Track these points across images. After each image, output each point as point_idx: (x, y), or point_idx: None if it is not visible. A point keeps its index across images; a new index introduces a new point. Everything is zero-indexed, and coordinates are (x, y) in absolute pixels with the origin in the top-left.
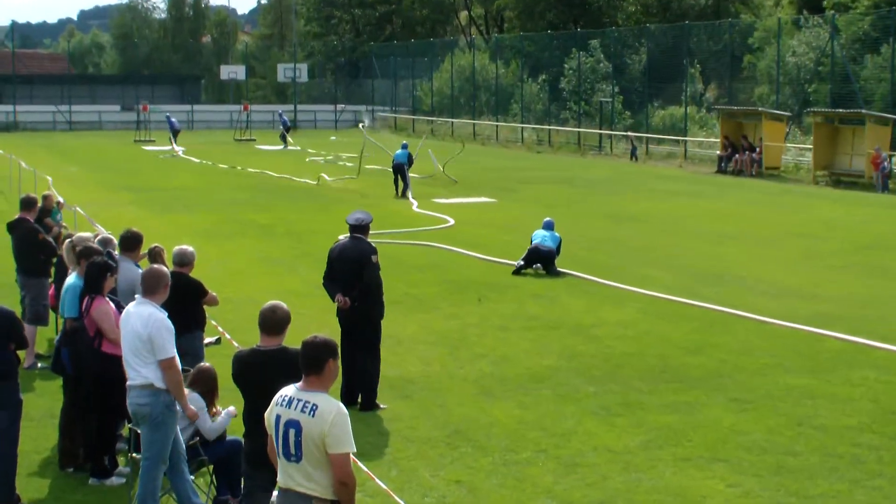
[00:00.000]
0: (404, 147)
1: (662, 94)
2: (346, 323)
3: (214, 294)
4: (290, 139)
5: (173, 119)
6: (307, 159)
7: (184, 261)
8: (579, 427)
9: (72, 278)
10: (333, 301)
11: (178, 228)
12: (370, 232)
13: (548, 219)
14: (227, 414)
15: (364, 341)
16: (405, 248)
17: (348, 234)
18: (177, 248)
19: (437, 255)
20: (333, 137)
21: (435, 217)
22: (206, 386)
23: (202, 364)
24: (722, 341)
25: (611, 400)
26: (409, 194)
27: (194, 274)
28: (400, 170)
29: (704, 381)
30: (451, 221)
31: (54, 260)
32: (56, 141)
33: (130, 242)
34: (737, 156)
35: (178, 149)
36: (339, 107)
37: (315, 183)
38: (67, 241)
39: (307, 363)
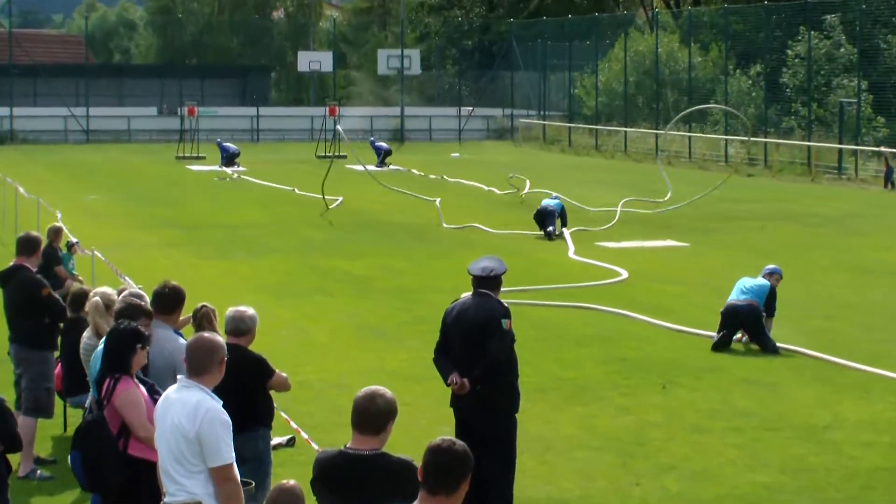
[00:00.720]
0: (556, 198)
1: None
2: (464, 415)
3: (285, 375)
4: (368, 168)
5: (227, 144)
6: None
7: (241, 328)
8: None
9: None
10: (447, 384)
11: (235, 281)
12: (502, 287)
13: (771, 266)
14: None
15: (489, 442)
16: (557, 313)
17: (471, 292)
18: (231, 309)
19: (604, 323)
20: (456, 154)
21: (600, 268)
22: None
23: (285, 483)
24: None
25: None
26: (566, 231)
27: (256, 346)
28: (549, 216)
29: None
30: (624, 274)
31: (62, 325)
32: (68, 157)
33: (168, 301)
34: None
35: (233, 170)
36: (466, 110)
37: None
38: (95, 298)
39: (439, 478)
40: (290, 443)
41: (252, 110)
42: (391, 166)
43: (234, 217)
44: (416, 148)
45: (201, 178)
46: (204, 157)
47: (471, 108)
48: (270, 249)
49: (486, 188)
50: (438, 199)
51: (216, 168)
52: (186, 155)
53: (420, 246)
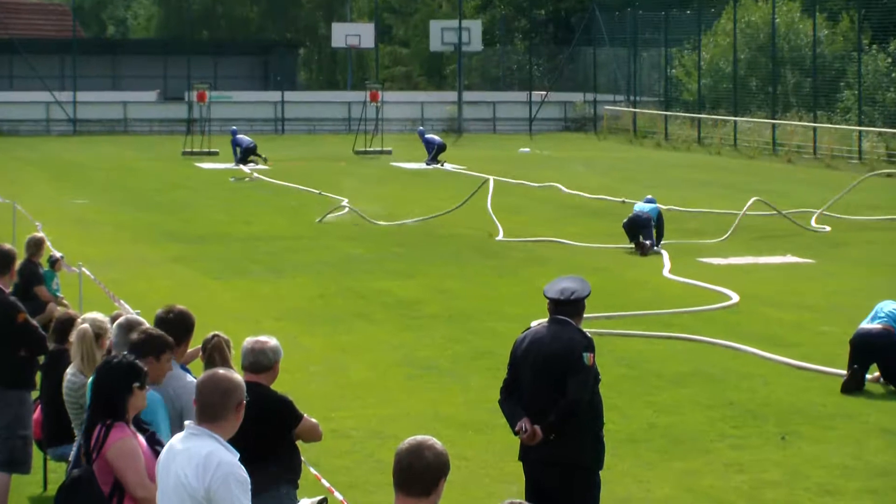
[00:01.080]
0: (650, 201)
1: None
2: (535, 471)
3: (315, 421)
4: (431, 163)
5: (241, 136)
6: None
7: (261, 362)
8: None
9: None
10: (515, 432)
11: (254, 305)
12: (584, 314)
13: None
14: None
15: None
16: (651, 345)
17: (547, 319)
18: (250, 340)
19: (708, 358)
20: (526, 149)
21: (704, 290)
22: None
23: None
24: None
25: None
26: (660, 245)
27: (280, 385)
28: (643, 227)
29: None
30: (734, 298)
31: (42, 358)
32: (51, 152)
33: (174, 330)
34: None
35: (252, 168)
36: (539, 94)
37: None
38: (83, 325)
39: None
40: None
41: (276, 95)
42: (444, 164)
43: (253, 226)
44: (476, 141)
45: (213, 179)
46: (217, 153)
47: (544, 93)
48: (298, 266)
49: (523, 183)
50: (491, 180)
51: (231, 166)
52: (195, 150)
53: (481, 262)
